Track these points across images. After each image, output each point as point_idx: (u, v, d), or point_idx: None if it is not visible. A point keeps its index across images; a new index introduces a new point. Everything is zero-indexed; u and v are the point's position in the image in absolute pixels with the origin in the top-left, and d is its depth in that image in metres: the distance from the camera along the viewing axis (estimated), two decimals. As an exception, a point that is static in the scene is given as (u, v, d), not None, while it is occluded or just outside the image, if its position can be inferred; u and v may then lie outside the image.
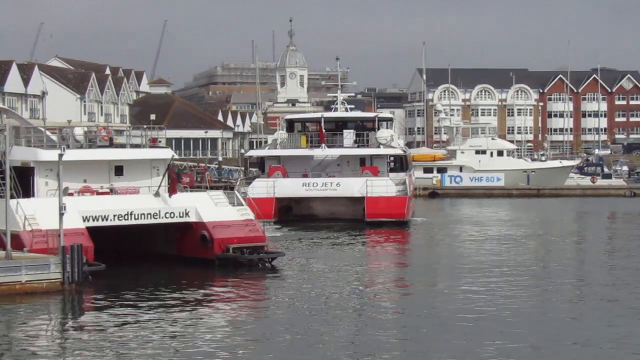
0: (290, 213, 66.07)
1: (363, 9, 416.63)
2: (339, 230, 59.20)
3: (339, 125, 69.88)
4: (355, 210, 64.49)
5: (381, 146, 67.70)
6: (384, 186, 63.29)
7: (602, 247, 53.37)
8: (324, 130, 67.51)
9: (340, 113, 73.81)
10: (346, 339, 27.10)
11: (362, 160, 67.74)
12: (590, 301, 33.62)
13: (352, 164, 67.79)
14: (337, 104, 74.45)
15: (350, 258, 46.46)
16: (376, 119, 72.29)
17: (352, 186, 64.04)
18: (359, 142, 68.34)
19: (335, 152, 67.71)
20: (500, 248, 50.14)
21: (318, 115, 72.26)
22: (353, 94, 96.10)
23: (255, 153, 75.52)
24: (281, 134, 70.52)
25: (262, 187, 63.72)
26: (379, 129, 70.01)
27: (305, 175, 66.31)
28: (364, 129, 70.05)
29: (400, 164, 70.01)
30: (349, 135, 68.58)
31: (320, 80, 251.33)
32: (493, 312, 30.66)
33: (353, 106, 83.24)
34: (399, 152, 70.15)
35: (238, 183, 67.55)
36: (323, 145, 66.89)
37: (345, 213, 65.49)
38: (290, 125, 72.09)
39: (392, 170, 68.15)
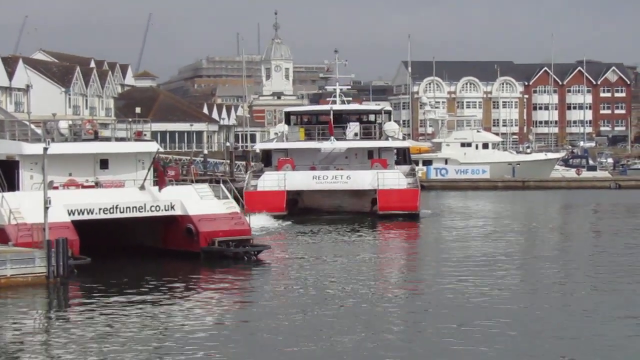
0: (296, 206, 65.52)
1: (348, 1, 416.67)
2: (351, 223, 58.86)
3: (337, 118, 69.43)
4: (362, 203, 64.43)
5: (389, 139, 67.61)
6: (395, 179, 62.94)
7: (589, 238, 53.70)
8: (332, 123, 67.22)
9: (349, 106, 73.85)
10: (328, 331, 27.13)
11: (370, 152, 67.47)
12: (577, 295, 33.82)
13: (360, 157, 67.41)
14: (334, 96, 73.49)
15: (361, 252, 46.12)
16: (382, 111, 72.27)
17: (363, 179, 63.57)
18: (365, 134, 68.13)
19: (344, 144, 67.31)
20: (513, 241, 50.54)
21: (327, 107, 71.45)
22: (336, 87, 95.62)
23: (262, 146, 74.89)
24: (285, 127, 69.89)
25: (273, 180, 63.13)
26: (377, 121, 70.11)
27: (313, 168, 65.91)
28: (361, 122, 70.02)
29: (403, 156, 69.67)
30: (353, 127, 68.35)
31: (305, 72, 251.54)
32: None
33: (350, 98, 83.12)
34: (406, 144, 70.17)
35: (247, 176, 67.37)
36: (332, 138, 66.59)
37: (351, 206, 65.38)
38: (287, 118, 71.83)
39: (395, 162, 68.00)
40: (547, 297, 32.55)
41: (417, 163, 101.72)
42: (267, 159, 69.60)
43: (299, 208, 65.63)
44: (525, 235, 54.70)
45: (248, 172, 72.40)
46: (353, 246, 48.74)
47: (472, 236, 53.08)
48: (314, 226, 57.30)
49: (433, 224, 60.14)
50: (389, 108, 79.47)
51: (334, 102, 72.46)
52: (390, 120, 71.89)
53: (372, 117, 71.89)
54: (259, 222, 55.48)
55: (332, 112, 68.38)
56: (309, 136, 67.98)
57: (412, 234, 55.94)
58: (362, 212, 63.71)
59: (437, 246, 48.65)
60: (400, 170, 65.41)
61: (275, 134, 71.97)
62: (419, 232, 57.02)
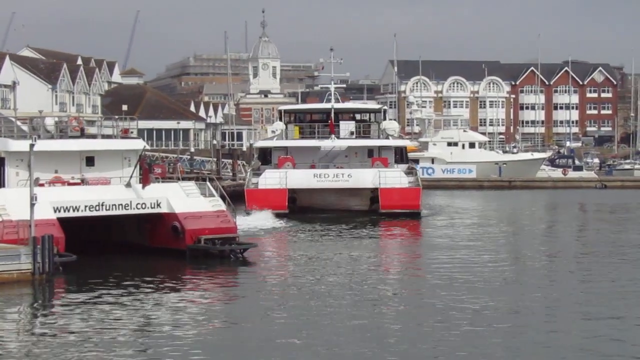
0: (294, 204, 65.22)
1: (336, 0, 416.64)
2: (352, 221, 58.80)
3: (334, 116, 69.24)
4: (359, 201, 64.36)
5: (389, 137, 67.64)
6: (397, 177, 63.02)
7: (576, 236, 53.97)
8: (333, 122, 67.04)
9: (348, 104, 73.93)
10: (314, 328, 27.15)
11: (370, 151, 67.48)
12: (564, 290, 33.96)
13: (360, 155, 67.45)
14: (329, 94, 72.86)
15: (358, 249, 46.02)
16: (382, 110, 72.36)
17: (364, 177, 63.59)
18: (364, 133, 68.15)
19: (344, 143, 67.34)
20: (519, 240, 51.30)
21: (328, 106, 71.02)
22: (325, 85, 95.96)
23: (262, 144, 74.72)
24: (282, 125, 69.57)
25: (275, 178, 62.94)
26: (375, 120, 70.21)
27: (313, 166, 65.82)
28: (357, 120, 69.97)
29: (400, 155, 69.61)
30: (348, 126, 68.33)
31: (292, 71, 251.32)
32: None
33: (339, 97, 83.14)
34: (406, 143, 70.24)
35: (248, 174, 67.30)
36: (333, 136, 66.49)
37: (349, 204, 65.31)
38: (282, 116, 71.52)
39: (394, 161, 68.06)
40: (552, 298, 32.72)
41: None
42: (265, 156, 69.37)
43: (297, 206, 65.49)
44: (529, 234, 55.01)
45: (248, 170, 72.33)
46: (350, 244, 48.47)
47: (478, 235, 52.95)
48: (312, 224, 57.22)
49: (436, 222, 60.29)
50: (385, 107, 79.69)
51: (329, 100, 72.37)
52: (385, 119, 71.99)
53: (368, 116, 72.07)
54: (261, 220, 55.78)
55: (332, 111, 68.38)
56: (303, 134, 67.93)
57: (415, 233, 55.80)
58: (360, 211, 63.70)
59: (446, 245, 48.22)
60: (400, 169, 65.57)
61: (273, 132, 71.78)
62: (424, 231, 56.88)
